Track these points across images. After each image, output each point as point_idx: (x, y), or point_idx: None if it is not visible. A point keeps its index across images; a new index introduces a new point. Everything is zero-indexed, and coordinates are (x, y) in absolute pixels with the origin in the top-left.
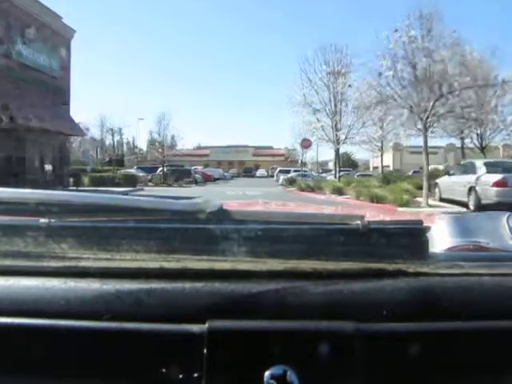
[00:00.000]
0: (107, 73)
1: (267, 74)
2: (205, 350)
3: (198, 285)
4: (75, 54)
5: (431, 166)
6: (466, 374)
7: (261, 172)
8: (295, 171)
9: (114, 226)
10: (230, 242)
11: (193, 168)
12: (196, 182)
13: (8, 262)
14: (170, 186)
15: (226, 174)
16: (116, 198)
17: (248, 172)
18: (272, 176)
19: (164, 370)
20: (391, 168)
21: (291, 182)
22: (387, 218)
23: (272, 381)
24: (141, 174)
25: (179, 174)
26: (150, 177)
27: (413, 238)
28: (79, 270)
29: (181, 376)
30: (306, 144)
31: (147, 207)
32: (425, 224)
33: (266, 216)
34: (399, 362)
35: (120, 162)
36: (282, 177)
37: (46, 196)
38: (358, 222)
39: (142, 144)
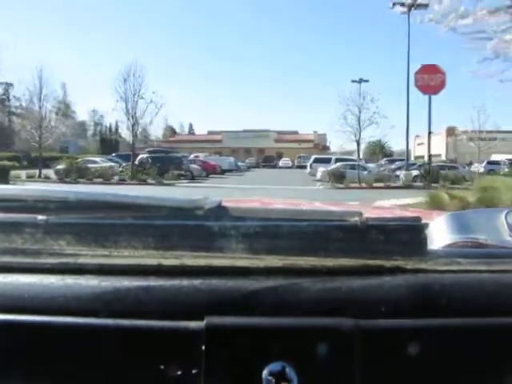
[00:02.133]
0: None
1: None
2: (203, 347)
3: (196, 281)
4: None
5: None
6: (464, 371)
7: (285, 161)
8: (339, 160)
9: (112, 222)
10: (228, 239)
11: (192, 156)
12: (192, 176)
13: (5, 259)
14: (143, 182)
15: (240, 163)
16: (114, 194)
17: (269, 161)
18: (302, 166)
19: (162, 367)
20: (443, 158)
21: (339, 176)
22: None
23: (270, 377)
24: (109, 164)
25: (165, 163)
26: (121, 168)
27: (411, 234)
28: (77, 267)
29: (179, 373)
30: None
31: (145, 204)
32: (423, 221)
33: (264, 213)
34: (398, 359)
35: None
36: (320, 168)
37: (44, 193)
38: (357, 218)
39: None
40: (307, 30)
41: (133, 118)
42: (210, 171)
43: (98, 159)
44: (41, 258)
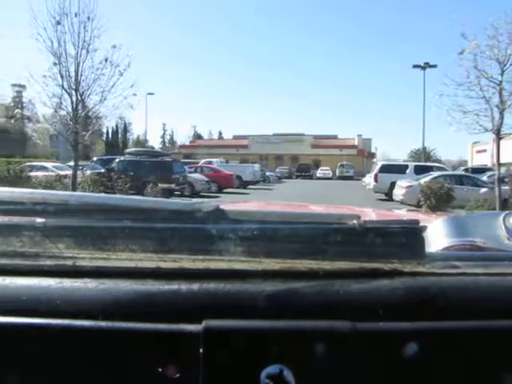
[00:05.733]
0: None
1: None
2: (201, 350)
3: (195, 284)
4: None
5: None
6: (462, 373)
7: (323, 171)
8: (421, 168)
9: (110, 225)
10: (227, 242)
11: (202, 161)
12: (192, 192)
13: (4, 262)
14: None
15: (269, 173)
16: (112, 197)
17: (304, 171)
18: (344, 177)
19: (160, 370)
20: None
21: (443, 196)
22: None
23: (268, 380)
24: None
25: (145, 170)
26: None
27: (409, 237)
28: (75, 270)
29: (177, 375)
30: None
31: (144, 207)
32: (421, 224)
33: (262, 216)
34: (395, 362)
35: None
36: (400, 183)
37: (43, 196)
38: (355, 221)
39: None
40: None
41: (75, 89)
42: (223, 184)
43: (50, 165)
44: (39, 260)
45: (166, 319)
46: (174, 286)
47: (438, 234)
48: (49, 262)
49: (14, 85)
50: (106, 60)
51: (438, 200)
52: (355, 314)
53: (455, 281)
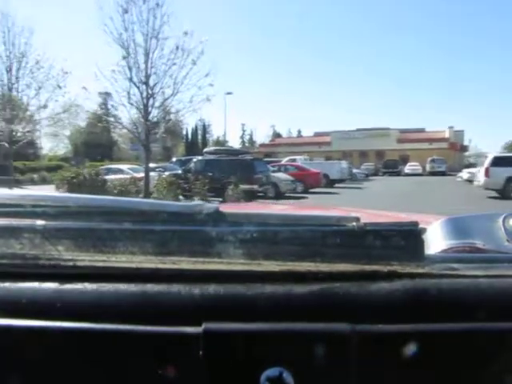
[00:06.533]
0: None
1: None
2: (201, 352)
3: (194, 287)
4: None
5: None
6: (462, 375)
7: (412, 167)
8: None
9: (110, 228)
10: (226, 244)
11: (285, 160)
12: (276, 194)
13: (4, 264)
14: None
15: (356, 170)
16: (112, 199)
17: (391, 167)
18: (435, 173)
19: (160, 372)
20: None
21: None
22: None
23: (268, 383)
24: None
25: (225, 171)
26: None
27: (408, 239)
28: (75, 272)
29: (176, 378)
30: None
31: (143, 209)
32: (420, 226)
33: (261, 218)
34: (395, 364)
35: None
36: None
37: (42, 198)
38: (354, 223)
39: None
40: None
41: (145, 82)
42: (309, 183)
43: (126, 167)
44: (39, 263)
45: (165, 322)
46: (173, 288)
47: (437, 236)
48: (48, 265)
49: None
50: (178, 48)
51: None
52: (354, 316)
53: (455, 283)
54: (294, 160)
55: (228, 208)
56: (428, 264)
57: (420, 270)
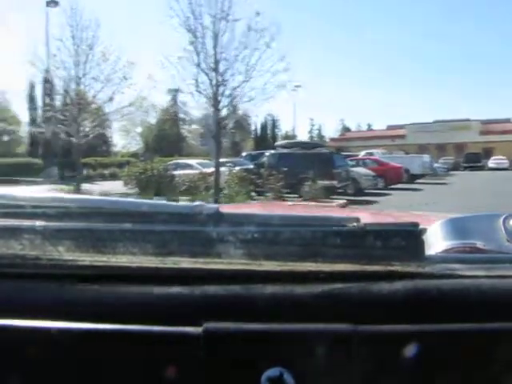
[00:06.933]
0: None
1: None
2: (201, 353)
3: (195, 287)
4: None
5: None
6: (463, 376)
7: (497, 160)
8: None
9: (111, 228)
10: (227, 245)
11: (362, 153)
12: (356, 190)
13: (4, 265)
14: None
15: (436, 164)
16: (112, 200)
17: (473, 161)
18: None
19: (160, 373)
20: None
21: None
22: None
23: (269, 383)
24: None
25: (300, 166)
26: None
27: (409, 239)
28: (75, 273)
29: (177, 378)
30: None
31: (144, 210)
32: (421, 226)
33: (262, 218)
34: (396, 364)
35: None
36: None
37: (43, 199)
38: (355, 224)
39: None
40: None
41: (214, 68)
42: (390, 179)
43: (195, 162)
44: (39, 263)
45: (166, 322)
46: (174, 288)
47: (437, 237)
48: (49, 265)
49: (170, 89)
50: (249, 29)
51: None
52: (356, 317)
53: (455, 283)
54: (371, 154)
55: (229, 208)
56: (428, 264)
57: (420, 271)
